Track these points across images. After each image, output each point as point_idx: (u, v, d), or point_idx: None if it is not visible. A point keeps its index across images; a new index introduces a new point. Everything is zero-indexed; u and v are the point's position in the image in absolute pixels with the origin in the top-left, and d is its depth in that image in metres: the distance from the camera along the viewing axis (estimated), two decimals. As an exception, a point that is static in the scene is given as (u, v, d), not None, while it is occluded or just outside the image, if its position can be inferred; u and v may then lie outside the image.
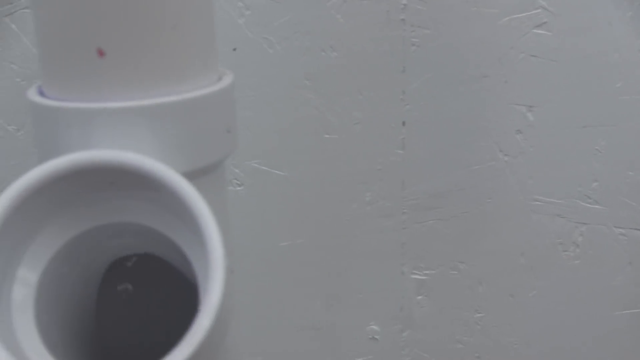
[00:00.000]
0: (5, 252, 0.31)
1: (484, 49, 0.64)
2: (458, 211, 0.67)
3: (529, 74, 0.64)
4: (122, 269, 0.44)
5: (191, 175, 0.32)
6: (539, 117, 0.65)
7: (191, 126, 0.35)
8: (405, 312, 0.71)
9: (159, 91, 0.33)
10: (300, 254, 0.69)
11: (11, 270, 0.33)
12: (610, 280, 0.70)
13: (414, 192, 0.67)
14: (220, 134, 0.37)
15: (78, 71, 0.33)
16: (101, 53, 0.32)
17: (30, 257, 0.33)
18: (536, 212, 0.67)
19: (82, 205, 0.34)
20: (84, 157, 0.31)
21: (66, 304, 0.38)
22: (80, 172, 0.32)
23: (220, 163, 0.38)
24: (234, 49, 0.63)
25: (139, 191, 0.33)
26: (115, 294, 0.46)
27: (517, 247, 0.68)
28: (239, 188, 0.67)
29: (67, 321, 0.39)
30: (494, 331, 0.71)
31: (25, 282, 0.33)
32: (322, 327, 0.71)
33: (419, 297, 0.70)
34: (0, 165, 0.71)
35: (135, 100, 0.33)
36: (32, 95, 0.35)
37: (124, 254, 0.42)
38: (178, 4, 0.34)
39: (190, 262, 0.34)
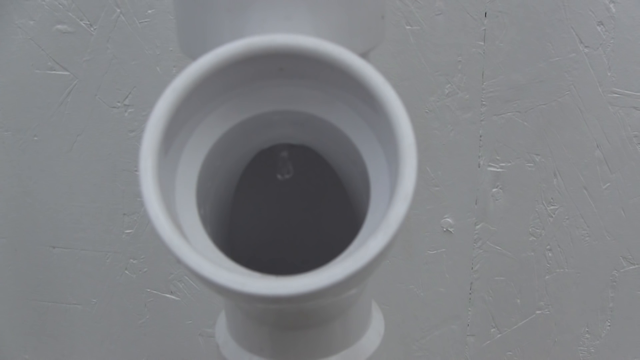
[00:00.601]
0: (169, 140, 0.30)
1: (569, -63, 0.63)
2: (536, 103, 0.67)
3: (613, -38, 0.63)
4: (268, 160, 0.42)
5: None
6: (621, 9, 0.64)
7: (352, 10, 0.34)
8: (480, 205, 0.72)
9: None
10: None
11: (174, 159, 0.32)
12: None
13: (493, 84, 0.67)
14: (377, 19, 0.36)
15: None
16: None
17: (191, 147, 0.32)
18: (613, 105, 0.67)
19: (248, 93, 0.33)
20: (262, 41, 0.30)
21: (212, 199, 0.37)
22: (253, 57, 0.30)
23: (370, 51, 0.37)
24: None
25: (310, 79, 0.32)
26: (254, 184, 0.45)
27: (593, 139, 0.68)
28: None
29: (212, 219, 0.38)
30: (566, 224, 0.72)
31: (187, 173, 0.32)
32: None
33: (494, 190, 0.71)
34: (73, 62, 0.71)
35: None
36: None
37: (273, 144, 0.40)
38: None
39: (358, 155, 0.33)
